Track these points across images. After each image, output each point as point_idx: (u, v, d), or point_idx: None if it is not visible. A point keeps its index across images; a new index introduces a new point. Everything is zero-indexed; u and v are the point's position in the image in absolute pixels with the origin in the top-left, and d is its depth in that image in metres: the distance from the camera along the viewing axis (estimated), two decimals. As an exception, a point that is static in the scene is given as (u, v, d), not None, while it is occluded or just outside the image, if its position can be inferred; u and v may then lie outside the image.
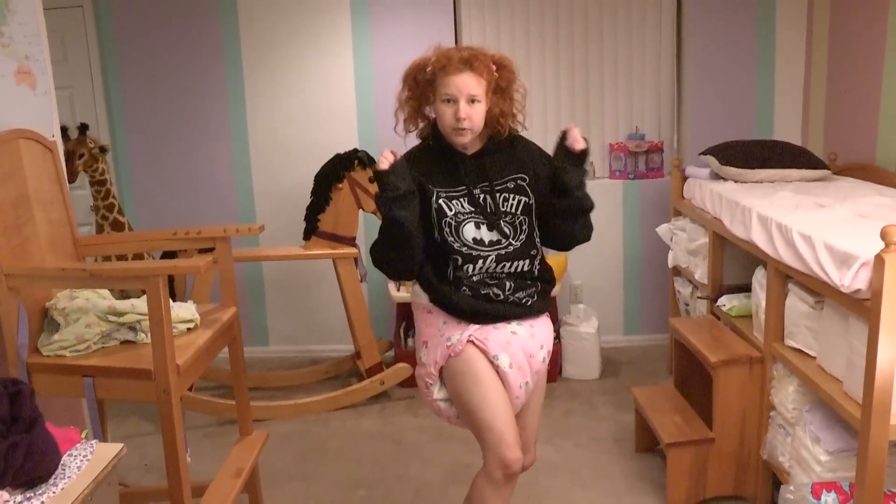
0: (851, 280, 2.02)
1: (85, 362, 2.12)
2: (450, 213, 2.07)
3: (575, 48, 4.48)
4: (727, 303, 3.17)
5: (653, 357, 4.45)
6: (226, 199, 4.62)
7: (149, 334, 2.06)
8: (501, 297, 2.10)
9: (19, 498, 1.59)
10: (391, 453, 3.42)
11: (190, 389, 3.78)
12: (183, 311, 2.36)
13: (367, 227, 4.35)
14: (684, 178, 3.95)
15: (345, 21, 4.39)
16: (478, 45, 2.17)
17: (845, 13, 3.84)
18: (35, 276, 2.15)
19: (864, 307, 1.99)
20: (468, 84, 2.01)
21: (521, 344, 2.10)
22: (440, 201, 2.08)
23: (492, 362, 2.06)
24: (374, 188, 3.62)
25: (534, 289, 2.16)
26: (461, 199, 2.09)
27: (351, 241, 3.92)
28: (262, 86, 4.49)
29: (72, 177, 3.55)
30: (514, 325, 2.12)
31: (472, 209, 2.09)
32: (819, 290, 2.29)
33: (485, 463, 2.06)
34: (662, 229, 4.06)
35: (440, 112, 2.06)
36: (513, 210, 2.11)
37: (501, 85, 2.10)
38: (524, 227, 2.12)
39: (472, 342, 2.06)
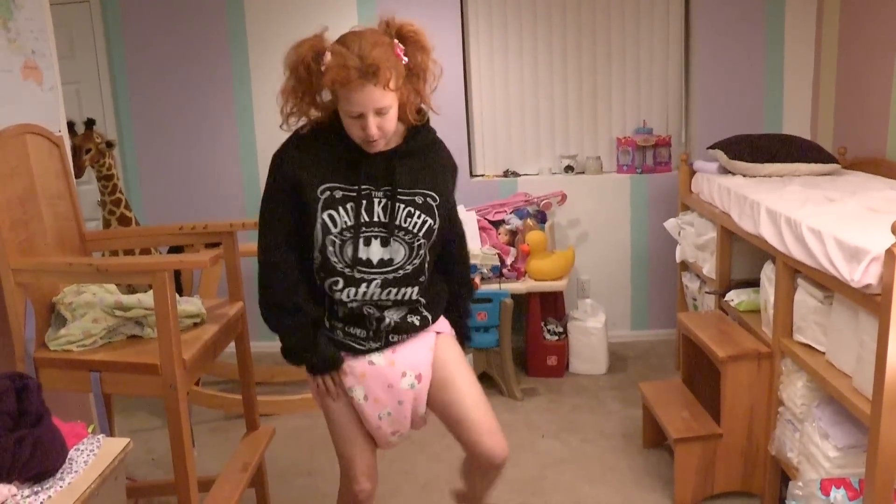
0: (861, 275, 2.00)
1: (91, 357, 2.12)
2: (334, 230, 1.82)
3: (582, 42, 4.46)
4: (735, 298, 3.15)
5: (660, 352, 4.44)
6: (233, 194, 4.62)
7: (155, 329, 2.06)
8: (372, 329, 1.92)
9: (27, 492, 1.59)
10: (398, 448, 3.41)
11: (197, 384, 3.79)
12: (189, 306, 2.36)
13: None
14: (692, 173, 3.93)
15: (351, 12, 4.39)
16: (375, 28, 1.80)
17: (856, 5, 3.81)
18: (42, 271, 2.16)
19: (874, 302, 1.97)
20: (373, 98, 1.71)
21: (377, 374, 1.95)
22: (326, 214, 1.82)
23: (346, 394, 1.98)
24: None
25: (415, 317, 1.96)
26: (350, 206, 1.83)
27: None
28: (269, 79, 4.48)
29: (79, 172, 3.55)
30: (373, 356, 1.95)
31: (363, 219, 1.83)
32: (828, 284, 2.27)
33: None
34: (670, 224, 4.04)
35: (345, 123, 1.78)
36: (414, 230, 1.86)
37: (412, 66, 1.78)
38: (421, 251, 1.89)
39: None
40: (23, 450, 1.58)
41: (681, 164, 4.02)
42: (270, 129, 4.53)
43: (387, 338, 1.95)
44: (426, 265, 1.92)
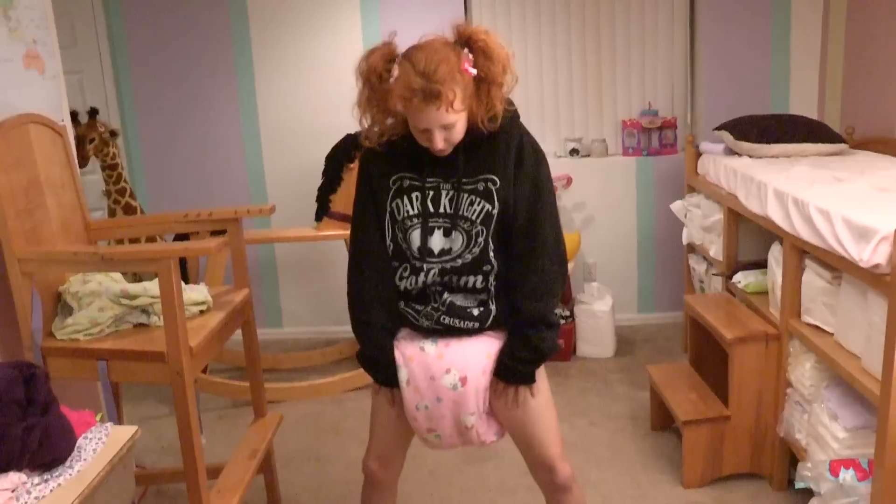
0: (870, 255, 1.98)
1: (98, 346, 2.12)
2: (399, 218, 1.86)
3: (586, 23, 4.43)
4: (743, 279, 3.14)
5: (667, 335, 4.43)
6: (237, 181, 4.61)
7: (161, 317, 2.06)
8: (430, 306, 1.88)
9: (36, 480, 1.60)
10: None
11: (204, 371, 3.80)
12: (195, 294, 2.36)
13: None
14: (698, 154, 3.91)
15: (354, 0, 4.36)
16: (444, 38, 1.77)
17: (863, -17, 3.76)
18: (47, 260, 2.16)
19: (883, 282, 1.96)
20: (437, 118, 1.71)
21: (423, 362, 1.89)
22: (394, 202, 1.86)
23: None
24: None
25: (481, 310, 1.88)
26: (416, 195, 1.85)
27: (363, 222, 3.90)
28: (272, 67, 4.47)
29: (83, 161, 3.55)
30: (426, 343, 1.90)
31: (426, 210, 1.84)
32: (837, 265, 2.26)
33: None
34: (676, 206, 4.02)
35: (414, 133, 1.80)
36: (472, 217, 1.83)
37: (482, 76, 1.76)
38: (479, 239, 1.83)
39: None
40: (32, 438, 1.59)
41: (687, 145, 4.00)
42: (273, 115, 4.52)
43: (439, 319, 1.87)
44: (490, 253, 1.84)
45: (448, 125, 1.75)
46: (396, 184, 1.87)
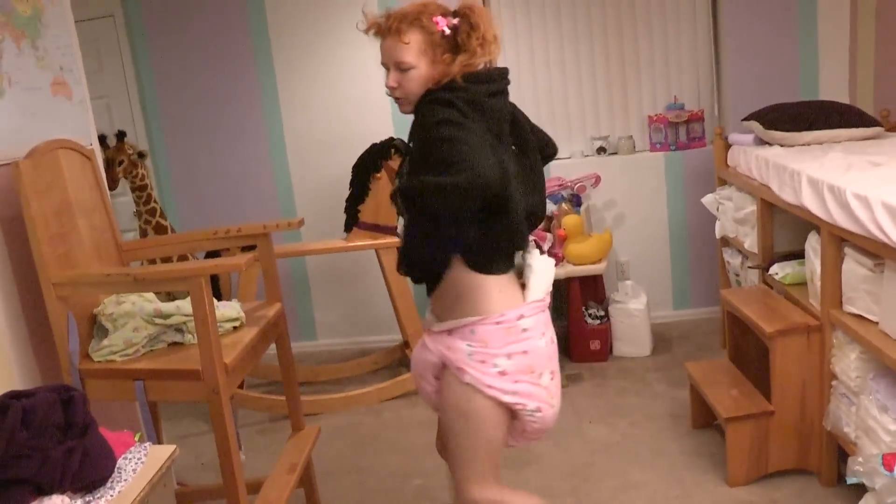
0: (913, 239, 1.93)
1: (135, 366, 2.14)
2: None
3: (607, 19, 4.38)
4: (780, 271, 3.07)
5: (704, 330, 4.36)
6: (266, 196, 4.64)
7: (195, 335, 2.06)
8: None
9: (79, 502, 1.61)
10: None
11: (241, 387, 3.81)
12: (228, 310, 2.37)
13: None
14: (727, 146, 3.84)
15: (373, 9, 4.36)
16: (435, 2, 1.85)
17: (890, -38, 3.68)
18: (81, 283, 2.18)
19: (928, 267, 1.90)
20: (391, 51, 1.80)
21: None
22: None
23: None
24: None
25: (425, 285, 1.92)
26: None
27: (392, 231, 3.90)
28: (295, 81, 4.49)
29: (113, 184, 3.59)
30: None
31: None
32: (878, 251, 2.20)
33: None
34: (708, 199, 3.96)
35: None
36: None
37: (456, 40, 1.79)
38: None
39: None
40: (72, 461, 1.60)
41: (715, 138, 3.94)
42: (299, 129, 4.55)
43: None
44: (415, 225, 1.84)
45: (402, 64, 1.79)
46: None
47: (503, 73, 1.87)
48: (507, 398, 1.80)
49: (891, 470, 2.06)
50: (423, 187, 1.62)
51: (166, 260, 3.49)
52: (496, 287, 1.81)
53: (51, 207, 2.19)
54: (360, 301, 4.72)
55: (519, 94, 4.51)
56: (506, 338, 1.80)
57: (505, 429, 1.87)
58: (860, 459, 2.22)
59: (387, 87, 1.84)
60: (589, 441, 3.25)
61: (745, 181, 3.44)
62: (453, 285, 1.82)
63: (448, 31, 1.79)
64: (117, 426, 2.07)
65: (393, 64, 1.81)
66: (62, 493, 1.60)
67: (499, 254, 1.83)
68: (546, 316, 1.94)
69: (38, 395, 1.66)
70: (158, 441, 2.51)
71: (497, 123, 1.83)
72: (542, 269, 1.92)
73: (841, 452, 2.65)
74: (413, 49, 1.78)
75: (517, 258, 1.91)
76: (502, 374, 1.79)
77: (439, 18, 1.80)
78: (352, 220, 3.89)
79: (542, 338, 1.90)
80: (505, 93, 1.88)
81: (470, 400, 1.81)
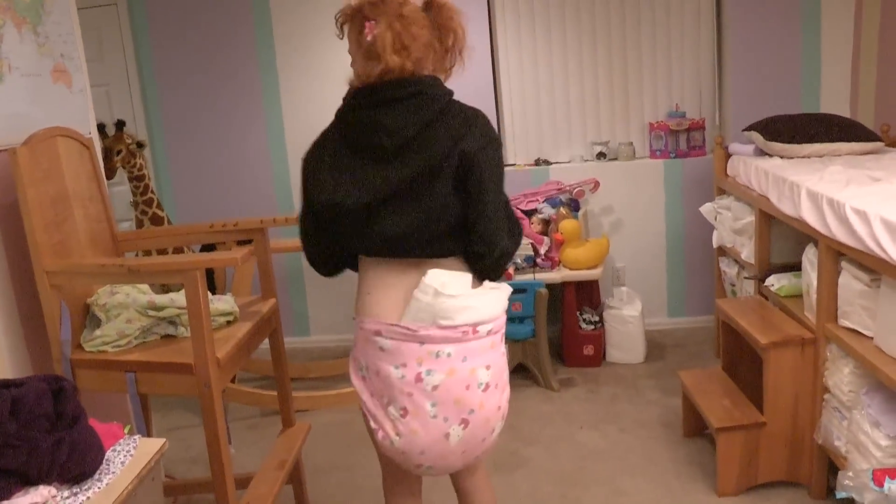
0: (911, 256, 1.92)
1: (126, 357, 2.13)
2: None
3: (611, 25, 4.38)
4: (776, 282, 3.07)
5: (698, 339, 4.36)
6: (264, 190, 4.63)
7: (189, 328, 2.05)
8: None
9: (66, 493, 1.60)
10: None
11: (233, 381, 3.80)
12: (222, 304, 2.36)
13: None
14: (727, 156, 3.84)
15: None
16: None
17: (895, -23, 3.68)
18: (75, 273, 2.17)
19: (925, 284, 1.90)
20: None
21: None
22: None
23: None
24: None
25: None
26: None
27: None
28: (296, 75, 4.48)
29: (110, 173, 3.58)
30: None
31: None
32: (875, 267, 2.20)
33: None
34: (706, 208, 3.96)
35: None
36: None
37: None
38: None
39: None
40: (60, 452, 1.59)
41: (715, 147, 3.94)
42: (299, 124, 4.54)
43: None
44: None
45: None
46: None
47: (402, 83, 1.81)
48: (363, 397, 1.87)
49: (880, 485, 2.06)
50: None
51: (162, 251, 3.47)
52: (364, 290, 1.93)
53: (47, 195, 2.17)
54: (353, 298, 4.70)
55: (521, 98, 4.50)
56: (364, 347, 1.85)
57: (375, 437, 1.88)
58: (850, 474, 2.22)
59: None
60: (579, 447, 3.25)
61: (744, 191, 3.44)
62: None
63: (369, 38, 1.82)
64: (107, 417, 2.06)
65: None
66: (49, 483, 1.59)
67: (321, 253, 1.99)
68: (427, 349, 1.75)
69: (28, 384, 1.65)
70: (148, 433, 2.50)
71: (363, 135, 1.85)
72: (453, 300, 1.74)
73: (831, 466, 2.65)
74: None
75: (431, 278, 1.77)
76: (363, 379, 1.87)
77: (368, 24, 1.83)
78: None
79: (401, 368, 1.76)
80: (395, 102, 1.82)
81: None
